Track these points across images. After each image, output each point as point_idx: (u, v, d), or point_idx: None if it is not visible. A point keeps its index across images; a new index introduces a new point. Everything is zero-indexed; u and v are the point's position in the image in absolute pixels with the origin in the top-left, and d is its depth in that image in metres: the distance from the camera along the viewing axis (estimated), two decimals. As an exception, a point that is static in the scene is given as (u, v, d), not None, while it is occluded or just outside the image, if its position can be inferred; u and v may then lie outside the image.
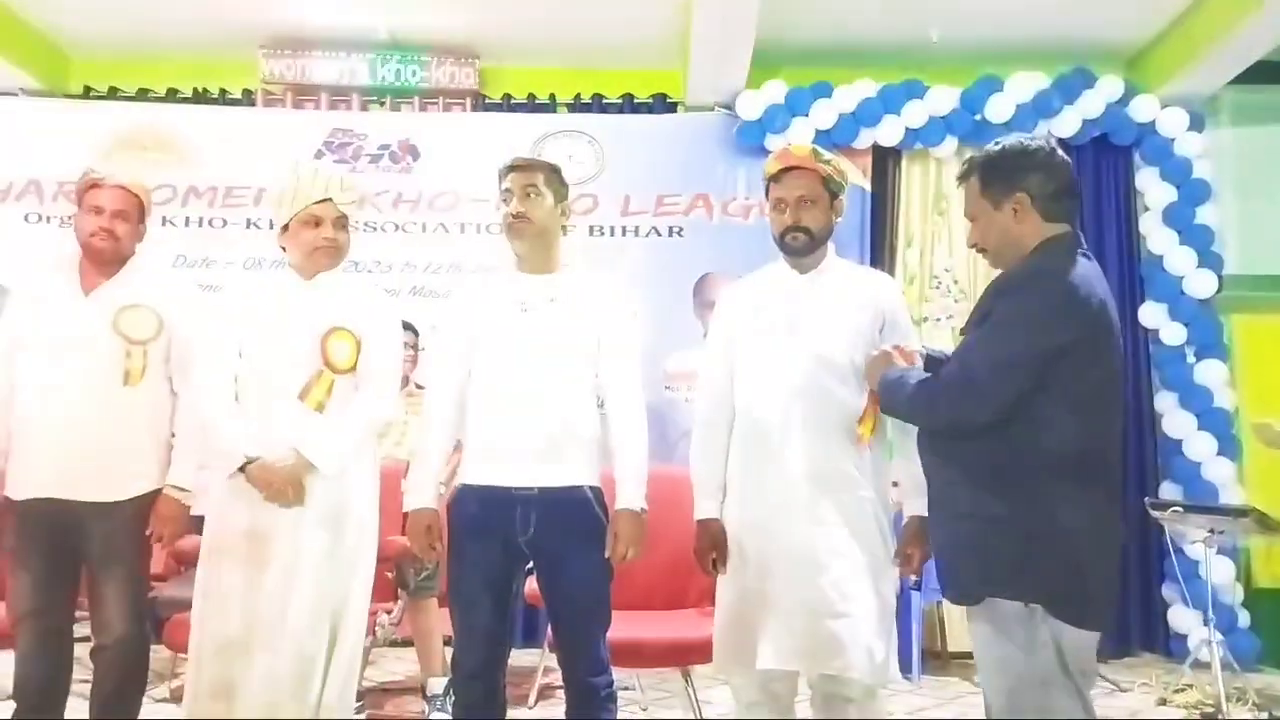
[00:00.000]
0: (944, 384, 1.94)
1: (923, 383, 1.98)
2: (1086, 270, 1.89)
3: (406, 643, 4.11)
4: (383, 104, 5.25)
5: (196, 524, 2.56)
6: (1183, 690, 3.92)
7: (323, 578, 2.36)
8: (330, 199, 2.44)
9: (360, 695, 3.34)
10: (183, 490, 2.56)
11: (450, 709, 3.15)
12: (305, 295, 2.48)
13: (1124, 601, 4.79)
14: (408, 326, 4.20)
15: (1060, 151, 2.00)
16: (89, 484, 2.48)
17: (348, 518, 2.43)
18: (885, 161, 5.07)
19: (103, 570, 2.51)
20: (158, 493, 2.54)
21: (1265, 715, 3.69)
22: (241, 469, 2.35)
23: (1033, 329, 1.82)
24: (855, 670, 2.07)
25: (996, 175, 1.98)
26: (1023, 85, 4.83)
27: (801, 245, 2.30)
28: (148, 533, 2.54)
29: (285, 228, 2.48)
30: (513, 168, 2.36)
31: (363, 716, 3.43)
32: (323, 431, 2.38)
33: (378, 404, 2.49)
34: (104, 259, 2.58)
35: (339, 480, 2.40)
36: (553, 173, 2.38)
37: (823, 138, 4.76)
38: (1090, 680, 1.87)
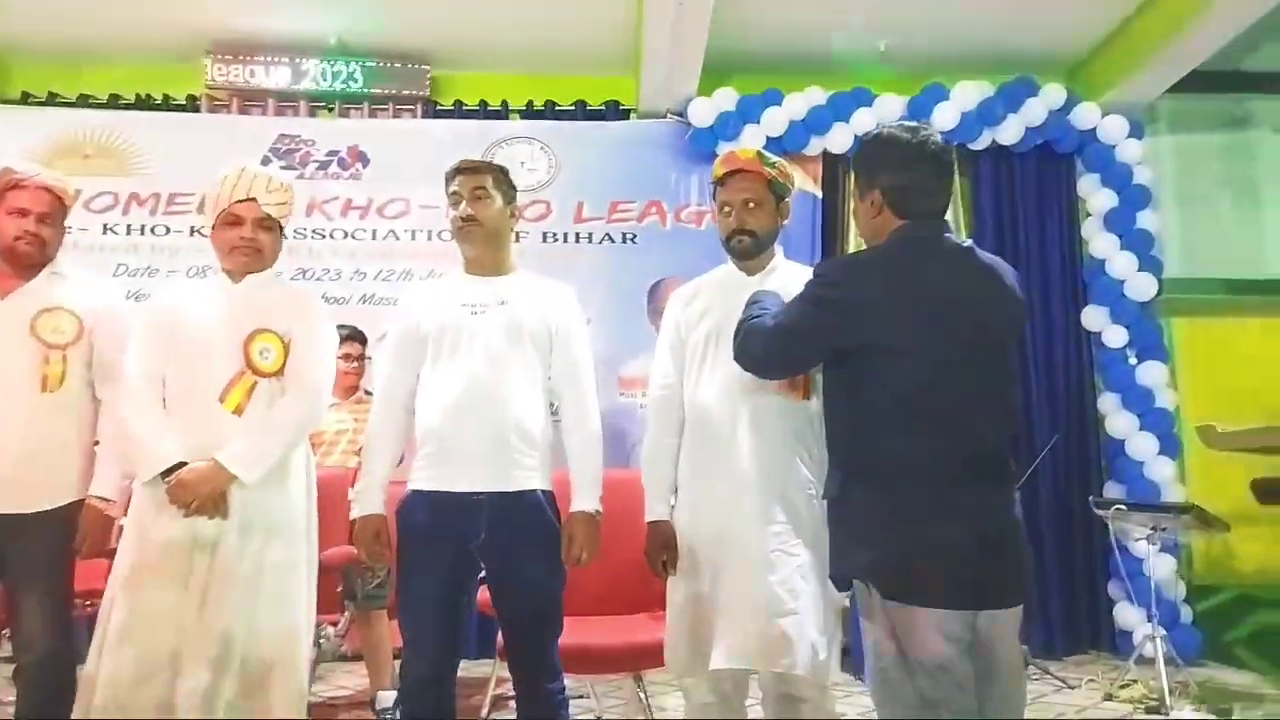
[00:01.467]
0: (750, 326, 2.03)
1: (749, 321, 2.06)
2: (903, 257, 1.88)
3: (356, 657, 4.05)
4: (331, 110, 5.18)
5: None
6: (1128, 685, 3.99)
7: (256, 590, 2.29)
8: (254, 199, 2.39)
9: (309, 710, 3.27)
10: (106, 500, 2.49)
11: (401, 721, 3.10)
12: (232, 297, 2.42)
13: (1071, 600, 4.88)
14: (356, 334, 4.17)
15: (932, 141, 1.94)
16: (6, 495, 2.39)
17: (280, 527, 2.36)
18: (835, 168, 5.12)
19: (23, 585, 2.42)
20: (81, 503, 2.47)
21: (1207, 709, 3.77)
22: (164, 477, 2.27)
23: (810, 304, 1.92)
24: (801, 668, 2.07)
25: (860, 169, 2.01)
26: (968, 93, 4.91)
27: (747, 247, 2.31)
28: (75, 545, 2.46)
29: (214, 229, 2.44)
30: (460, 170, 2.35)
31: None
32: (244, 438, 2.31)
33: (304, 407, 2.40)
34: (28, 263, 2.51)
35: (268, 488, 2.33)
36: (501, 174, 2.37)
37: (774, 145, 4.79)
38: (943, 663, 1.76)
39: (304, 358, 2.42)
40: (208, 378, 2.34)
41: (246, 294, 2.43)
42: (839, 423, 1.96)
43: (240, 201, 2.39)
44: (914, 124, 1.99)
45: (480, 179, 2.33)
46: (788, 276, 2.29)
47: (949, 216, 2.12)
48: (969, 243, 1.95)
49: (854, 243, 5.12)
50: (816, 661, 2.10)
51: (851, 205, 2.10)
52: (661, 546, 2.28)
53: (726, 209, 2.32)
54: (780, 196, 2.32)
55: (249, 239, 2.40)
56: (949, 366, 1.82)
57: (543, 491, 2.27)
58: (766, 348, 2.00)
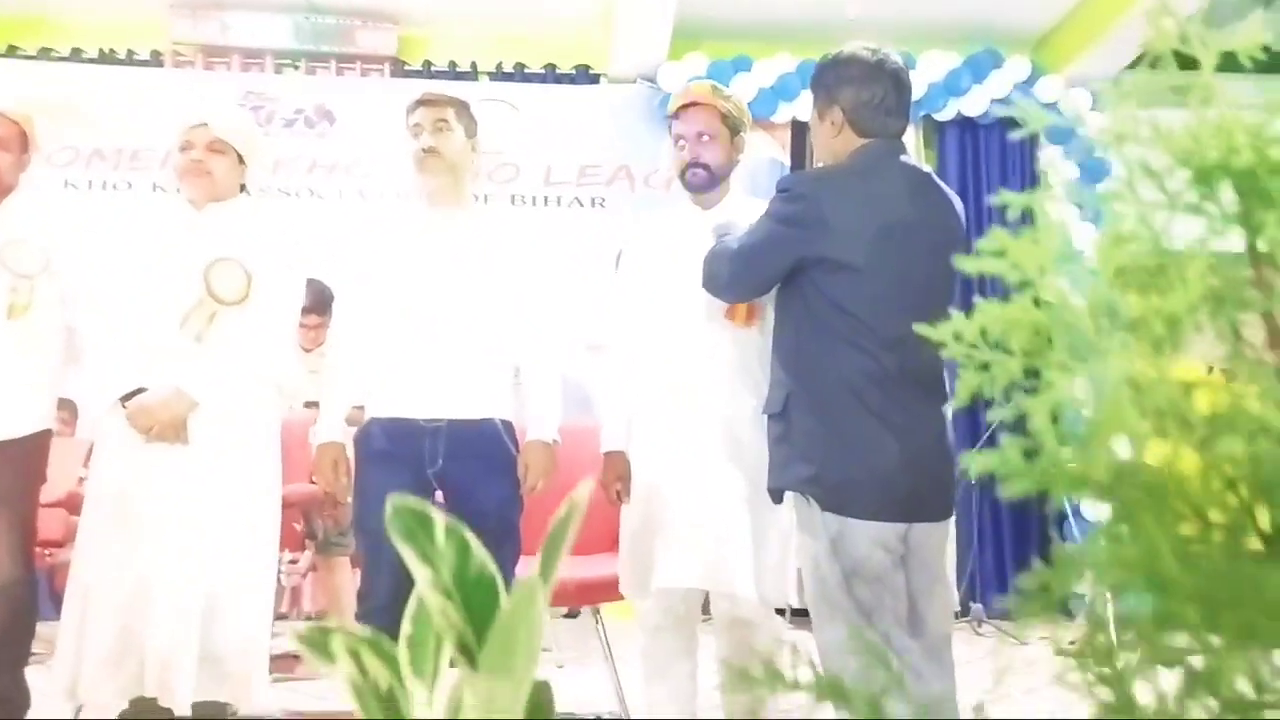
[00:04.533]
0: (715, 252, 2.07)
1: (714, 247, 2.09)
2: (863, 175, 1.90)
3: (321, 616, 4.05)
4: (297, 67, 5.15)
5: None
6: (1075, 642, 4.07)
7: (216, 521, 2.30)
8: (205, 124, 2.41)
9: (270, 661, 3.28)
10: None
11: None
12: (194, 225, 2.42)
13: (1026, 563, 4.96)
14: (324, 292, 4.13)
15: (891, 60, 1.97)
16: None
17: (241, 458, 2.37)
18: (803, 136, 5.15)
19: None
20: (48, 433, 2.46)
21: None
22: (124, 402, 2.28)
23: (775, 221, 1.95)
24: (747, 590, 2.11)
25: (819, 88, 2.02)
26: (935, 63, 4.97)
27: (701, 181, 2.32)
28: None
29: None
30: (421, 102, 2.35)
31: (272, 678, 3.35)
32: (207, 365, 2.31)
33: (267, 337, 2.41)
34: None
35: (229, 419, 2.34)
36: (463, 108, 2.37)
37: (742, 110, 4.82)
38: (879, 572, 1.81)
39: (268, 288, 2.42)
40: (169, 306, 2.34)
41: (210, 222, 2.42)
42: (785, 338, 1.99)
43: (193, 127, 2.41)
44: (873, 46, 2.00)
45: (442, 111, 2.33)
46: (743, 209, 2.31)
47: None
48: (927, 168, 1.99)
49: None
50: (765, 585, 2.14)
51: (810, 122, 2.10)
52: (616, 476, 2.31)
53: (681, 142, 2.33)
54: (735, 130, 2.33)
55: (198, 160, 2.40)
56: (898, 284, 1.86)
57: (501, 421, 2.29)
58: (732, 268, 2.02)
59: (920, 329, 0.59)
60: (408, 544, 0.65)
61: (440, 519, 0.66)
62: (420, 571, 0.64)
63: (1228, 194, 0.53)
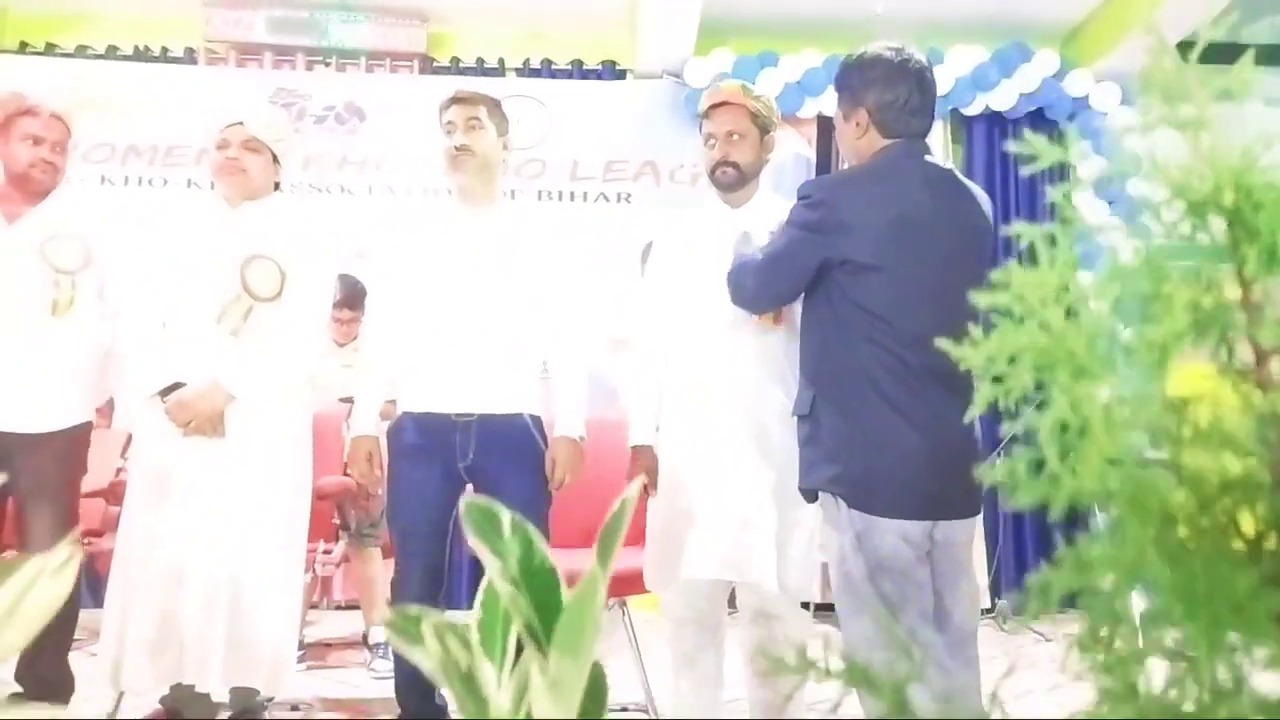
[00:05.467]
0: (739, 265, 2.08)
1: (738, 261, 2.11)
2: (886, 176, 1.91)
3: (351, 606, 4.12)
4: (328, 64, 5.21)
5: None
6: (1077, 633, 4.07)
7: (249, 512, 2.36)
8: (240, 123, 2.47)
9: (301, 647, 3.34)
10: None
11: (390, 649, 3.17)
12: (229, 222, 2.47)
13: (1052, 559, 4.95)
14: (356, 286, 4.18)
15: (915, 60, 1.97)
16: (16, 415, 2.45)
17: (274, 451, 2.42)
18: (830, 131, 5.13)
19: (31, 503, 2.49)
20: (89, 425, 2.52)
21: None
22: (163, 396, 2.33)
23: (797, 228, 1.95)
24: (772, 581, 2.14)
25: (844, 89, 2.02)
26: (962, 58, 4.95)
27: (731, 180, 2.34)
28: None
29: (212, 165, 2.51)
30: (455, 100, 2.39)
31: (303, 666, 3.42)
32: (243, 360, 2.37)
33: (300, 332, 2.47)
34: (40, 190, 2.55)
35: (263, 413, 2.39)
36: (495, 105, 2.41)
37: (768, 105, 4.83)
38: (904, 567, 1.83)
39: (301, 284, 2.47)
40: (205, 301, 2.39)
41: (244, 219, 2.48)
42: (811, 339, 2.01)
43: (229, 126, 2.46)
44: (896, 44, 2.01)
45: (475, 109, 2.37)
46: (771, 209, 2.33)
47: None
48: (950, 165, 1.99)
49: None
50: (790, 578, 2.17)
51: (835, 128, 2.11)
52: (643, 469, 2.33)
53: (711, 141, 2.36)
54: (764, 130, 2.36)
55: (233, 159, 2.45)
56: (921, 283, 1.87)
57: (530, 415, 2.33)
58: (758, 279, 2.04)
59: (943, 344, 0.63)
60: (479, 539, 0.71)
61: (507, 516, 0.71)
62: (491, 563, 0.70)
63: (1219, 224, 0.57)
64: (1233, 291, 0.56)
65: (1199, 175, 0.56)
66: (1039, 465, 0.60)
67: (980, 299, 0.62)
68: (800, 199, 2.01)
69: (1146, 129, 0.58)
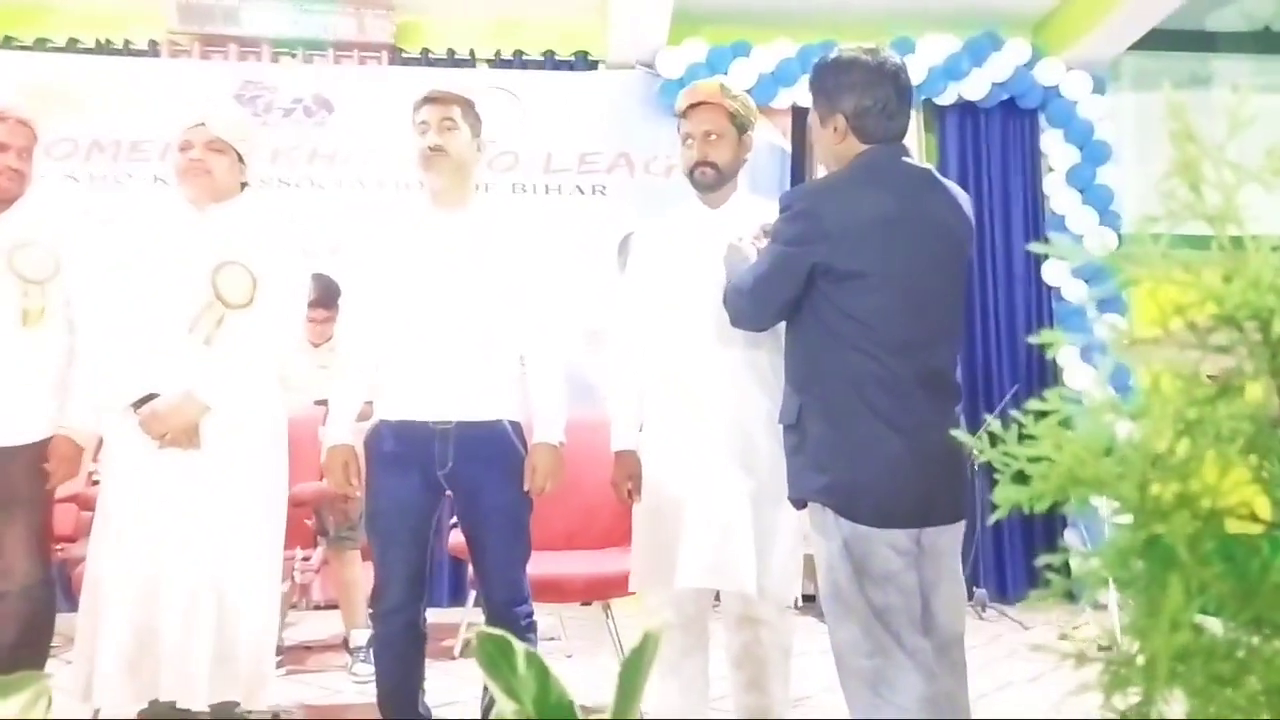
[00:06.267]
0: (733, 288, 2.07)
1: (730, 285, 2.09)
2: (865, 182, 1.89)
3: (330, 606, 4.07)
4: (294, 56, 5.11)
5: None
6: (1080, 627, 4.12)
7: (226, 523, 2.32)
8: (203, 124, 2.41)
9: (280, 651, 3.30)
10: (77, 431, 2.49)
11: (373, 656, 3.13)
12: (198, 227, 2.42)
13: (1030, 549, 5.01)
14: (330, 286, 4.12)
15: (891, 62, 1.94)
16: None
17: (250, 461, 2.38)
18: (804, 121, 5.13)
19: (2, 515, 2.43)
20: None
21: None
22: (136, 408, 2.29)
23: (781, 243, 1.93)
24: (758, 589, 2.13)
25: (819, 93, 1.99)
26: (934, 47, 4.95)
27: (709, 180, 2.32)
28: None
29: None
30: (428, 99, 2.34)
31: (283, 671, 3.39)
32: (216, 369, 2.33)
33: (275, 338, 2.44)
34: (6, 198, 2.49)
35: (238, 422, 2.35)
36: (469, 106, 2.37)
37: (742, 96, 4.80)
38: (891, 574, 1.82)
39: (273, 291, 2.42)
40: (177, 309, 2.34)
41: (213, 224, 2.42)
42: (796, 348, 1.99)
43: (192, 127, 2.40)
44: (871, 46, 1.99)
45: (448, 109, 2.32)
46: (750, 209, 2.31)
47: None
48: (928, 166, 1.98)
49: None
50: (774, 585, 2.16)
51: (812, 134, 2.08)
52: (627, 475, 2.32)
53: (689, 141, 2.33)
54: (742, 129, 2.33)
55: (197, 160, 2.40)
56: (904, 289, 1.86)
57: (509, 422, 2.30)
58: (752, 299, 2.01)
59: (959, 436, 0.64)
60: (492, 676, 0.68)
61: (520, 648, 0.69)
62: (506, 704, 0.68)
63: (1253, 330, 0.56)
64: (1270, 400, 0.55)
65: (1233, 290, 0.55)
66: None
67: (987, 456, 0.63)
68: (781, 211, 1.98)
69: (1172, 218, 0.59)
